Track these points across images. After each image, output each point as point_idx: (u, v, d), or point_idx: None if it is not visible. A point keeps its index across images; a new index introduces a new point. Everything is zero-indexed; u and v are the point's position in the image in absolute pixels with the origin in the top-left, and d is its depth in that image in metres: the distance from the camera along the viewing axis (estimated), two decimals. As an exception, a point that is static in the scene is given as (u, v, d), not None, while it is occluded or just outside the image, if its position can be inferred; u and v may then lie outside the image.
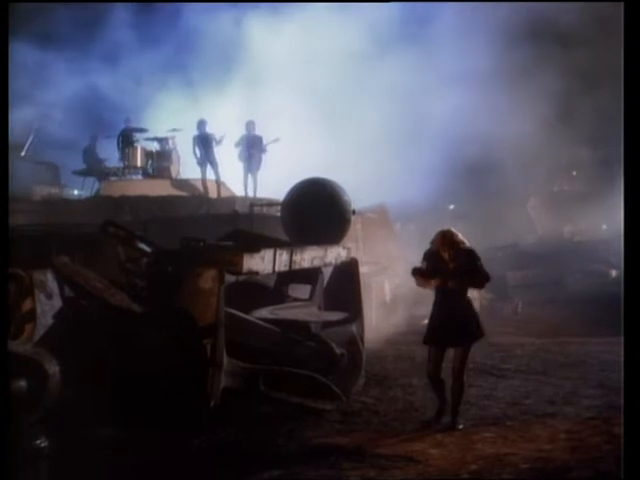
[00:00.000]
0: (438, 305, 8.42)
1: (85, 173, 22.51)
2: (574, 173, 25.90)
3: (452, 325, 8.27)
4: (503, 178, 22.49)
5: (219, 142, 21.30)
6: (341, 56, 23.52)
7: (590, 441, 7.73)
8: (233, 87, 23.66)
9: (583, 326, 14.25)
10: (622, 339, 4.96)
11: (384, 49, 23.13)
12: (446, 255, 8.26)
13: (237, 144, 21.41)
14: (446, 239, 8.30)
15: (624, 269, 4.92)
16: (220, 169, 21.22)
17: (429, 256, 8.38)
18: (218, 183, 21.18)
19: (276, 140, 21.40)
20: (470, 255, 8.32)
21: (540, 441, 7.94)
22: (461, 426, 8.30)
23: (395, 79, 22.63)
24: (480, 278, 8.35)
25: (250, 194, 20.91)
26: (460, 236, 8.35)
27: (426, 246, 8.51)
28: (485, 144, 22.17)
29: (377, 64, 23.06)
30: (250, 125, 21.47)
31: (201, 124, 21.14)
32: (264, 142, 21.43)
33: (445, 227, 8.57)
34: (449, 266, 8.26)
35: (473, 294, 8.65)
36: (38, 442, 5.02)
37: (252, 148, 21.25)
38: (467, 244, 8.37)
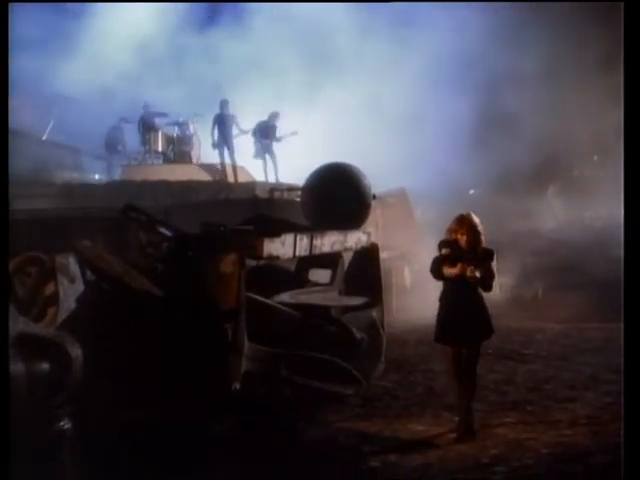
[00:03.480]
0: (447, 298, 7.86)
1: (106, 158, 22.60)
2: (595, 158, 25.74)
3: (463, 320, 7.71)
4: (524, 163, 22.38)
5: (247, 132, 21.40)
6: (359, 42, 23.55)
7: (610, 426, 7.71)
8: (257, 71, 23.70)
9: (603, 311, 14.17)
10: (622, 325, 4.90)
11: (404, 33, 23.10)
12: (464, 239, 7.71)
13: (254, 132, 21.47)
14: (464, 222, 7.77)
15: (624, 257, 4.88)
16: (237, 153, 21.29)
17: (445, 245, 7.90)
18: (234, 167, 21.22)
19: (294, 133, 21.43)
20: (487, 255, 7.85)
21: (560, 426, 7.95)
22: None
23: (416, 64, 22.60)
24: (489, 280, 7.83)
25: (272, 180, 20.96)
26: (478, 220, 7.82)
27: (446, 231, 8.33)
28: (506, 129, 22.10)
29: (397, 49, 23.02)
30: (273, 116, 21.49)
31: (223, 104, 21.15)
32: (277, 133, 21.46)
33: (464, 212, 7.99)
34: (466, 255, 7.74)
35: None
36: (61, 424, 5.06)
37: (267, 137, 21.32)
38: (483, 233, 7.78)
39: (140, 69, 22.79)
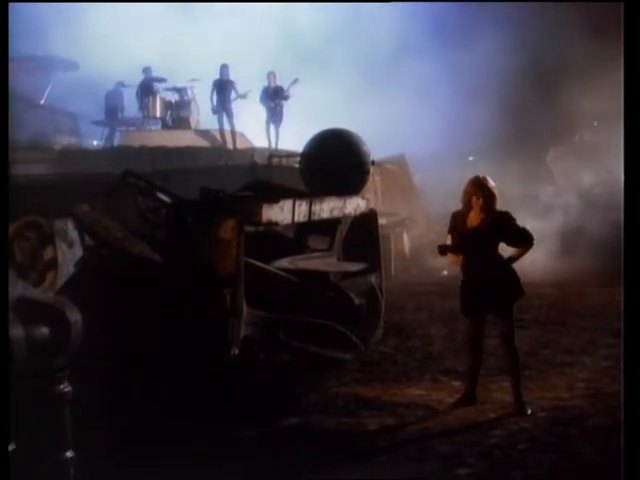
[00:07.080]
0: (467, 269, 7.72)
1: (104, 123, 22.53)
2: (595, 124, 25.66)
3: (481, 290, 7.56)
4: (523, 129, 22.36)
5: (244, 96, 21.26)
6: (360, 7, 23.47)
7: (608, 390, 7.78)
8: (257, 37, 23.61)
9: (602, 276, 14.22)
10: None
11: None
12: (480, 202, 7.52)
13: (260, 98, 21.36)
14: (480, 186, 7.58)
15: (624, 221, 4.87)
16: (236, 120, 21.21)
17: (455, 220, 7.77)
18: (233, 133, 21.16)
19: (295, 81, 21.30)
20: (506, 218, 7.70)
21: (558, 390, 8.01)
22: (530, 411, 7.38)
23: (415, 30, 22.56)
24: (520, 238, 7.72)
25: (273, 145, 20.91)
26: (493, 184, 7.64)
27: (445, 198, 8.28)
28: (506, 96, 22.05)
29: (397, 15, 22.96)
30: (271, 76, 21.40)
31: (223, 69, 21.02)
32: (285, 91, 21.37)
33: (470, 177, 7.77)
34: (477, 224, 7.61)
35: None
36: (61, 387, 5.08)
37: (275, 99, 21.20)
38: (496, 192, 7.62)
39: (140, 35, 22.70)
